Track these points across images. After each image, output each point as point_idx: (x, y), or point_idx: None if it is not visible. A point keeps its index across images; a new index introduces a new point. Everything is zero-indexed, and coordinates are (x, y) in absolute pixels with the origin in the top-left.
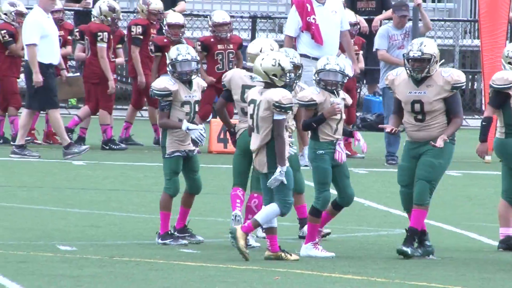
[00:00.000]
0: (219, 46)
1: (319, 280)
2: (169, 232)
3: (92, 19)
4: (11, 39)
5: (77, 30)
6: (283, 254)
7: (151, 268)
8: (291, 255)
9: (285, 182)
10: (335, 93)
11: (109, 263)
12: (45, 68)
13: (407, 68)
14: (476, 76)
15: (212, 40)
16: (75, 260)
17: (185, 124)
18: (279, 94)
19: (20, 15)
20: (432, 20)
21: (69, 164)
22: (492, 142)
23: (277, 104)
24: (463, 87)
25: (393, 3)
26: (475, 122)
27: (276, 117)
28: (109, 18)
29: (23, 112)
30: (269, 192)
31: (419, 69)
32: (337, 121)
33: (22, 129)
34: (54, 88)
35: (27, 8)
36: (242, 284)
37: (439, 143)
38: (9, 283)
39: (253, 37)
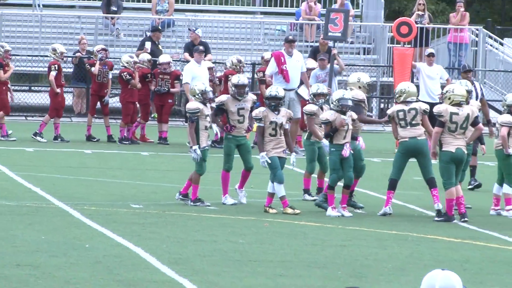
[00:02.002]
0: None
1: (294, 225)
2: (197, 198)
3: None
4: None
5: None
6: (267, 209)
7: (189, 218)
8: (272, 208)
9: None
10: (344, 113)
11: (163, 215)
12: None
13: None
14: (389, 102)
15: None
16: (141, 213)
17: (194, 146)
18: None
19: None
20: (363, 65)
21: (139, 154)
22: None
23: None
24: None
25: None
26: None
27: None
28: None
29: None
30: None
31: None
32: (345, 131)
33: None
34: None
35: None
36: (244, 228)
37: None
38: (100, 227)
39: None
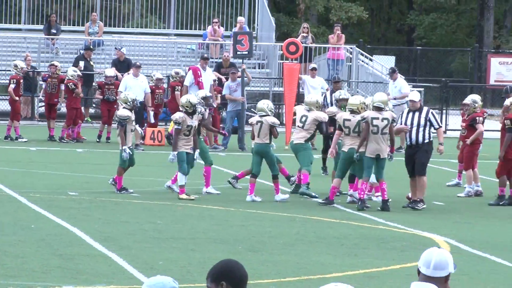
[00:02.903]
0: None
1: (203, 209)
2: (123, 187)
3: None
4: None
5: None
6: (181, 196)
7: (116, 203)
8: (188, 195)
9: (170, 159)
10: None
11: (94, 201)
12: None
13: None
14: (280, 108)
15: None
16: (77, 199)
17: (124, 146)
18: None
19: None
20: (258, 78)
21: (75, 151)
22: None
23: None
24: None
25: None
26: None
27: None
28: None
29: None
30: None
31: None
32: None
33: None
34: None
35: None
36: (162, 211)
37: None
38: (43, 211)
39: None
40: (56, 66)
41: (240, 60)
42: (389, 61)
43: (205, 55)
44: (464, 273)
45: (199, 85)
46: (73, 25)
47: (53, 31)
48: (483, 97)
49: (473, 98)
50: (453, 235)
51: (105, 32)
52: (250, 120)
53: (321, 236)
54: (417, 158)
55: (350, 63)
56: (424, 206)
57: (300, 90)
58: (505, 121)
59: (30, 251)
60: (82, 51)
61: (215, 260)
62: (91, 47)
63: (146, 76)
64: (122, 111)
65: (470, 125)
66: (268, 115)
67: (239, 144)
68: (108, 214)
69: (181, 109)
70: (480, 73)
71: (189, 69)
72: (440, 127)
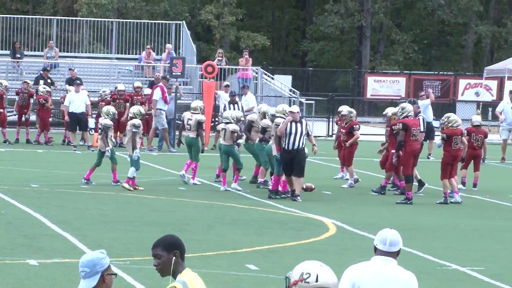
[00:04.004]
0: None
1: (141, 198)
2: (89, 179)
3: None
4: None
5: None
6: (125, 186)
7: (69, 193)
8: (136, 186)
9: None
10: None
11: (52, 192)
12: None
13: None
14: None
15: None
16: (38, 190)
17: (107, 147)
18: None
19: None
20: (184, 93)
21: (37, 151)
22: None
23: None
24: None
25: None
26: None
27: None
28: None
29: None
30: None
31: None
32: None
33: None
34: None
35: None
36: (107, 199)
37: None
38: (11, 200)
39: None
40: (28, 83)
41: (173, 79)
42: (287, 79)
43: (167, 76)
44: (348, 248)
45: (164, 99)
46: (34, 50)
47: (18, 55)
48: (362, 108)
49: (348, 110)
50: (339, 217)
51: (60, 56)
52: (217, 127)
53: (235, 219)
54: (297, 162)
55: (256, 81)
56: (300, 200)
57: (216, 103)
58: (393, 127)
59: (0, 232)
60: (41, 72)
61: (150, 239)
62: (48, 68)
63: (94, 91)
64: (106, 120)
65: (349, 132)
66: (231, 123)
67: (170, 146)
68: (63, 202)
69: (132, 116)
70: (359, 89)
71: (156, 87)
72: (311, 134)
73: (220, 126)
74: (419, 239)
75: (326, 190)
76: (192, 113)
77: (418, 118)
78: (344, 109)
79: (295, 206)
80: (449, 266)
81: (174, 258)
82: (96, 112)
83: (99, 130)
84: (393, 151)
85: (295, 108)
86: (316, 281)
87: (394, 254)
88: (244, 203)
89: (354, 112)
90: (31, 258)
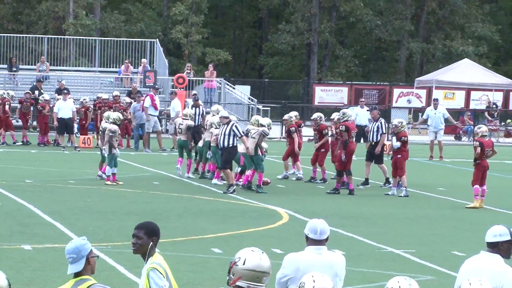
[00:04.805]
0: None
1: (119, 191)
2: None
3: None
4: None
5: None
6: (108, 182)
7: (59, 188)
8: (117, 182)
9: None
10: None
11: (44, 186)
12: None
13: None
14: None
15: None
16: (32, 185)
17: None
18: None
19: None
20: (160, 101)
21: (30, 152)
22: None
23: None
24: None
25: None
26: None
27: None
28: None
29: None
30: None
31: None
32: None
33: None
34: None
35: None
36: (90, 192)
37: None
38: (8, 193)
39: None
40: (30, 94)
41: (147, 89)
42: (246, 89)
43: (156, 86)
44: (299, 234)
45: (154, 106)
46: (28, 64)
47: (14, 69)
48: (310, 113)
49: (289, 115)
50: (291, 207)
51: (50, 70)
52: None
53: (202, 209)
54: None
55: (220, 91)
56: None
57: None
58: (336, 130)
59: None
60: (35, 83)
61: (129, 227)
62: (41, 79)
63: (77, 99)
64: (113, 126)
65: (289, 132)
66: (188, 119)
67: (144, 147)
68: (54, 195)
69: (112, 121)
70: (308, 97)
71: (147, 96)
72: (243, 135)
73: (177, 121)
74: (360, 225)
75: (280, 184)
76: (183, 119)
77: (380, 122)
78: (286, 115)
79: (254, 198)
80: (385, 249)
81: (151, 243)
82: (78, 117)
83: (103, 133)
84: (323, 150)
85: (225, 112)
86: (243, 264)
87: (324, 241)
88: (210, 195)
89: (294, 116)
90: (25, 244)
